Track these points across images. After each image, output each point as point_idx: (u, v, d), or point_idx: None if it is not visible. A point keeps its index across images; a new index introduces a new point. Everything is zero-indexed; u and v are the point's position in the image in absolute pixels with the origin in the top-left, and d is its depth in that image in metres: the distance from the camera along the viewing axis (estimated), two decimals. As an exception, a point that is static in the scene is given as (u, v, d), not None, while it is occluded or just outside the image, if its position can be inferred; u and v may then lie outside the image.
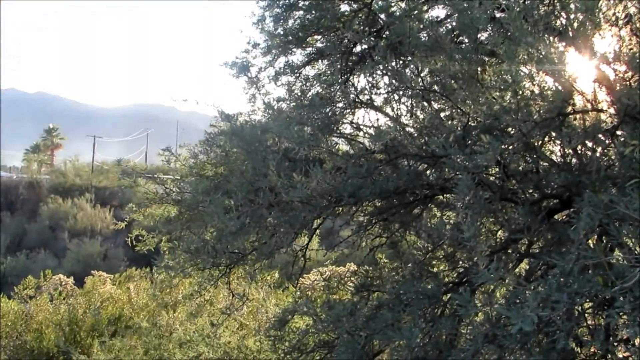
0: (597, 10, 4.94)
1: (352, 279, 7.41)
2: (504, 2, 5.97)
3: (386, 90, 6.76)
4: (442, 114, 6.58)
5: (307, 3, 8.40)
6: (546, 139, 5.67)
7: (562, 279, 4.21)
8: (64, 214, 43.16)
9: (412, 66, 6.80)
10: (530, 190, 5.74)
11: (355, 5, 8.63)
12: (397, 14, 7.41)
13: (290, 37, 8.52)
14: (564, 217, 5.79)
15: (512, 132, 5.41)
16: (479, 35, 5.88)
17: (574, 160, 5.48)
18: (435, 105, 6.77)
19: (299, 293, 9.95)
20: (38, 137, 78.04)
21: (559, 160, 5.66)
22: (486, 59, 6.21)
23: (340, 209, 6.63)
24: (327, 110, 7.13)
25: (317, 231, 7.77)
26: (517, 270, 5.84)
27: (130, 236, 10.05)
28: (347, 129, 7.42)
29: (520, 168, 5.77)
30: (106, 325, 16.22)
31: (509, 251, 5.81)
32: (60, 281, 18.74)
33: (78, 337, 15.86)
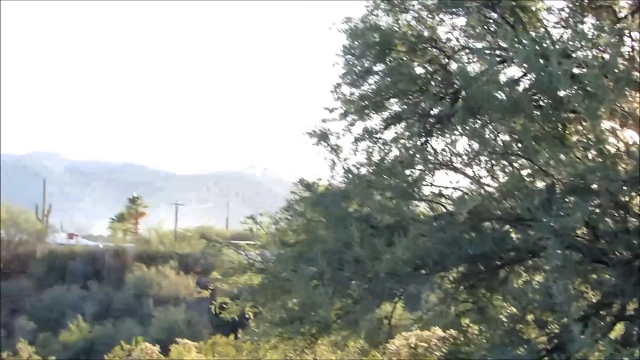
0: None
1: (440, 345, 7.27)
2: (582, 58, 5.90)
3: (466, 153, 6.70)
4: (523, 173, 6.48)
5: (382, 67, 8.44)
6: (635, 196, 5.51)
7: (661, 344, 4.05)
8: (148, 282, 43.87)
9: (490, 127, 6.73)
10: (622, 251, 5.55)
11: (430, 68, 8.63)
12: (473, 74, 7.37)
13: (366, 102, 8.55)
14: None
15: (599, 192, 5.28)
16: (558, 94, 5.80)
17: (666, 218, 5.31)
18: (516, 165, 6.67)
19: (385, 360, 9.81)
20: (123, 206, 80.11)
21: (650, 218, 5.48)
22: (567, 116, 6.10)
23: (426, 276, 6.54)
24: (407, 174, 7.10)
25: (402, 296, 7.68)
26: (612, 334, 5.63)
27: (214, 303, 10.09)
28: (427, 192, 7.36)
29: (610, 228, 5.59)
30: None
31: (602, 314, 5.62)
32: (147, 349, 18.96)
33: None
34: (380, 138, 8.42)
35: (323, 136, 8.13)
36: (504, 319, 6.35)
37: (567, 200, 5.24)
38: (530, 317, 6.19)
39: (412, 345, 9.25)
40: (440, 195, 6.73)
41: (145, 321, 38.96)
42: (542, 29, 7.29)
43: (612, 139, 5.57)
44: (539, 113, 6.16)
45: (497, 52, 7.46)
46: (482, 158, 6.68)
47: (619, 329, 5.79)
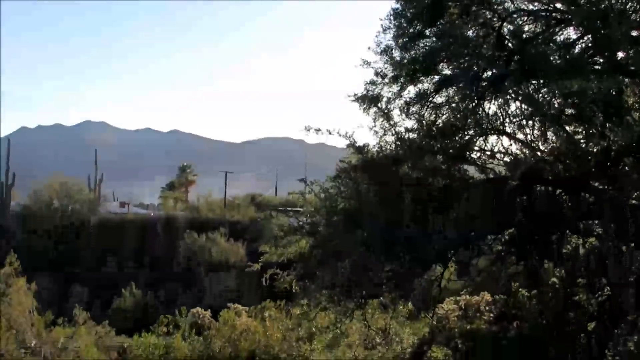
0: None
1: (489, 308, 7.24)
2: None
3: (519, 117, 6.61)
4: (577, 137, 6.37)
5: (434, 30, 8.29)
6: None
7: None
8: (199, 249, 44.25)
9: (544, 90, 6.59)
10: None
11: (483, 31, 8.45)
12: (527, 36, 7.23)
13: (417, 66, 8.41)
14: None
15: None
16: (616, 56, 5.68)
17: None
18: (570, 129, 6.56)
19: (434, 322, 9.78)
20: (173, 175, 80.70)
21: None
22: (624, 79, 5.95)
23: (476, 239, 6.51)
24: (459, 137, 7.04)
25: (452, 260, 7.65)
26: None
27: (265, 275, 10.06)
28: (479, 156, 7.28)
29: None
30: (244, 358, 16.36)
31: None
32: (198, 314, 19.22)
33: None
34: (431, 102, 8.33)
35: (374, 100, 8.08)
36: (555, 282, 6.30)
37: (624, 163, 5.15)
38: (581, 280, 6.14)
39: (462, 307, 9.20)
40: (493, 157, 6.66)
41: (198, 288, 39.53)
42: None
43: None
44: (596, 77, 6.02)
45: (553, 14, 7.32)
46: (535, 122, 6.60)
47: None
